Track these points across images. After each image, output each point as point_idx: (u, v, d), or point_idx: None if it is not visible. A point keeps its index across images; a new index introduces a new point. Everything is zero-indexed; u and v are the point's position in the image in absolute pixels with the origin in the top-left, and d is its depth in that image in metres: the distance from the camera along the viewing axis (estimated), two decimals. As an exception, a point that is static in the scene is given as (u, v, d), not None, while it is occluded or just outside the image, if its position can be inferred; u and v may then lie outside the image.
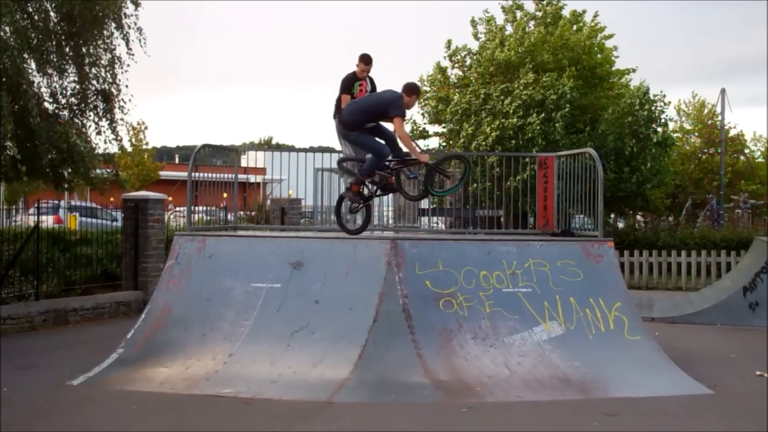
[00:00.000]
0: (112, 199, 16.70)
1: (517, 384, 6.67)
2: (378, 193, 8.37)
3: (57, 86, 11.42)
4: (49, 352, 8.43)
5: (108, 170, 12.91)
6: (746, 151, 32.13)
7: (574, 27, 20.43)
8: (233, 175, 10.46)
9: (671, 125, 25.56)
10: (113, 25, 11.49)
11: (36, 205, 11.39)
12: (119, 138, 12.16)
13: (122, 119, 11.98)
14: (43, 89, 11.40)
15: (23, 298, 10.45)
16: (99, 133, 11.87)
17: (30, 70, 10.60)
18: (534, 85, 18.12)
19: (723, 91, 26.66)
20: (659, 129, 19.41)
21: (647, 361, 7.23)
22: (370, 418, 5.89)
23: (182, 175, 22.78)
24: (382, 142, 7.87)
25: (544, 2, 20.80)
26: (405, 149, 7.95)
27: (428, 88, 20.84)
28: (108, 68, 11.66)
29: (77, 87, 11.51)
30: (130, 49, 11.80)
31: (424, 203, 12.94)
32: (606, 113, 18.97)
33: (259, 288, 7.56)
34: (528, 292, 7.55)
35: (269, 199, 18.74)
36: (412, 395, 6.39)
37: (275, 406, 6.17)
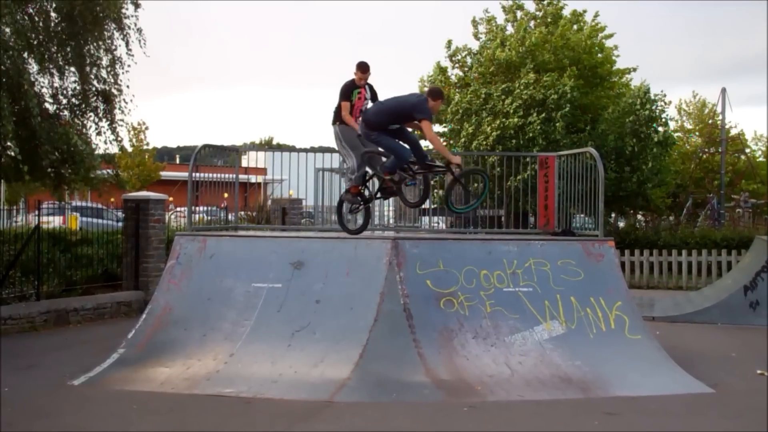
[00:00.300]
0: (112, 199, 16.69)
1: (518, 383, 6.67)
2: (378, 195, 8.38)
3: (58, 87, 11.45)
4: (50, 352, 8.42)
5: (109, 171, 12.91)
6: (747, 150, 32.17)
7: (575, 27, 20.46)
8: (234, 176, 10.48)
9: (672, 125, 25.66)
10: (113, 25, 11.50)
11: (38, 207, 11.36)
12: (120, 138, 12.20)
13: (123, 120, 12.02)
14: (43, 90, 11.44)
15: (24, 298, 10.45)
16: (99, 133, 11.89)
17: (31, 71, 10.62)
18: (535, 84, 18.13)
19: (723, 91, 26.70)
20: (660, 128, 19.42)
21: (648, 360, 7.23)
22: (371, 417, 5.89)
23: (183, 175, 22.82)
24: (405, 145, 7.83)
25: (545, 2, 20.84)
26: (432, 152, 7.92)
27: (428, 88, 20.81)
28: (108, 69, 11.68)
29: (78, 87, 11.51)
30: (130, 49, 11.83)
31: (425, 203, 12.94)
32: (606, 113, 18.99)
33: (260, 288, 7.56)
34: (529, 291, 7.55)
35: (270, 199, 18.72)
36: (413, 395, 6.39)
37: (276, 405, 6.17)
